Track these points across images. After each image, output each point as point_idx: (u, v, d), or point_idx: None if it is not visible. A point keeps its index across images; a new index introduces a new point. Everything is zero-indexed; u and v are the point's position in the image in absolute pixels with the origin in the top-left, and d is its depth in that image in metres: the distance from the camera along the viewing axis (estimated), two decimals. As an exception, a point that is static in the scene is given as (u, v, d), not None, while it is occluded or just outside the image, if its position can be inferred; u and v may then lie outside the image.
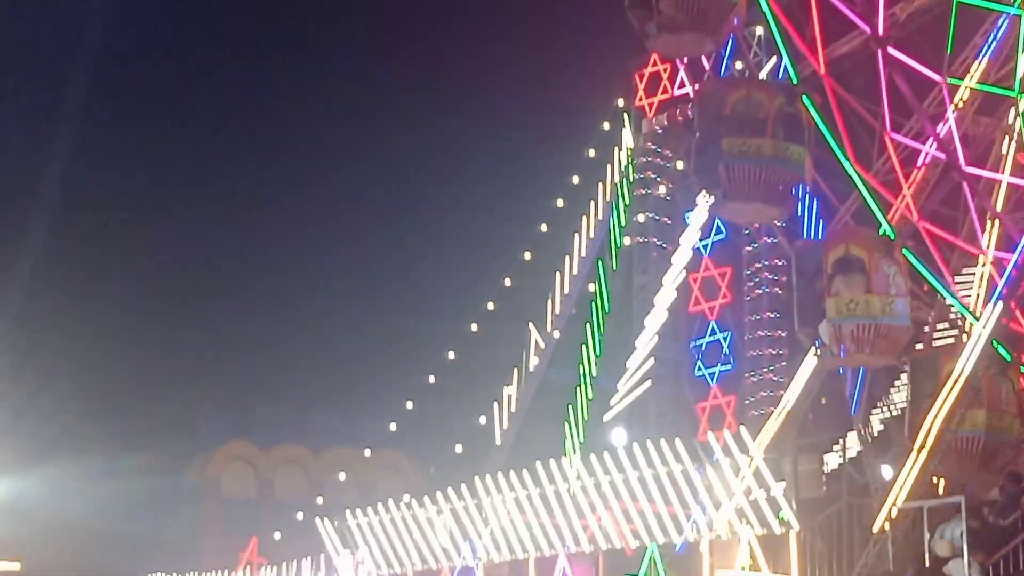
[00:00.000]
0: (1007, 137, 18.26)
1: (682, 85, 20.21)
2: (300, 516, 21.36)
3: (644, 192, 18.91)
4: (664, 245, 19.44)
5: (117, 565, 22.93)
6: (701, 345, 20.31)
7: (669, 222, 19.33)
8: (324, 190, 38.74)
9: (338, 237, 37.38)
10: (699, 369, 20.53)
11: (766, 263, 20.78)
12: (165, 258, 38.34)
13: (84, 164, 37.07)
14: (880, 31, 17.39)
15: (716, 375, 19.92)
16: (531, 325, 18.52)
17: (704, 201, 17.57)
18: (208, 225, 38.53)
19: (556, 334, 18.51)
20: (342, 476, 23.29)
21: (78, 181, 36.34)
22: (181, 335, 36.89)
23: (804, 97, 16.86)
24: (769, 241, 21.86)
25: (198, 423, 30.07)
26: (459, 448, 18.44)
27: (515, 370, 17.94)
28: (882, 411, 19.90)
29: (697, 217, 18.60)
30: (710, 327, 20.17)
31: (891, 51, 17.40)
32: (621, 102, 19.74)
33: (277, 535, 20.95)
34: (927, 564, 14.34)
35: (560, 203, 18.50)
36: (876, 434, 19.24)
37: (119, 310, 34.60)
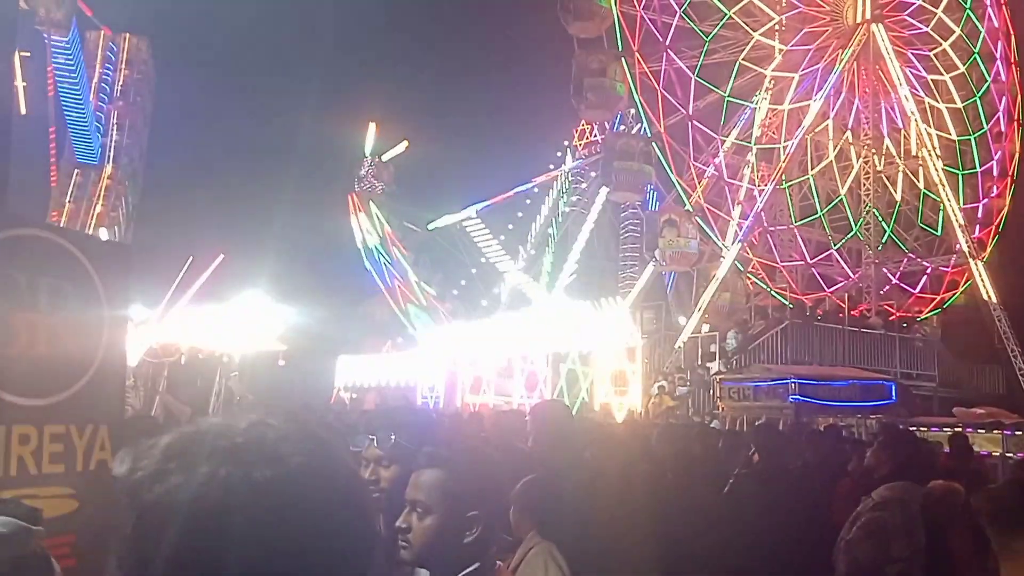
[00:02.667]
0: (747, 165, 36.97)
1: (594, 134, 38.47)
2: None
3: (576, 186, 36.66)
4: (583, 211, 37.23)
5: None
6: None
7: (585, 200, 37.01)
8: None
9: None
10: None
11: (632, 220, 39.26)
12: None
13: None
14: (690, 112, 35.73)
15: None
16: (520, 247, 36.08)
17: (604, 191, 35.50)
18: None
19: (531, 251, 35.88)
20: None
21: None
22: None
23: (653, 143, 35.04)
24: (633, 210, 40.18)
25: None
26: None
27: (512, 268, 36.00)
28: (681, 291, 38.16)
29: (599, 199, 36.51)
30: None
31: (695, 122, 35.81)
32: (567, 142, 37.86)
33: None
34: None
35: (535, 190, 36.05)
36: (678, 300, 37.45)
37: None
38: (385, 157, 37.20)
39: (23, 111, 31.76)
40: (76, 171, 38.69)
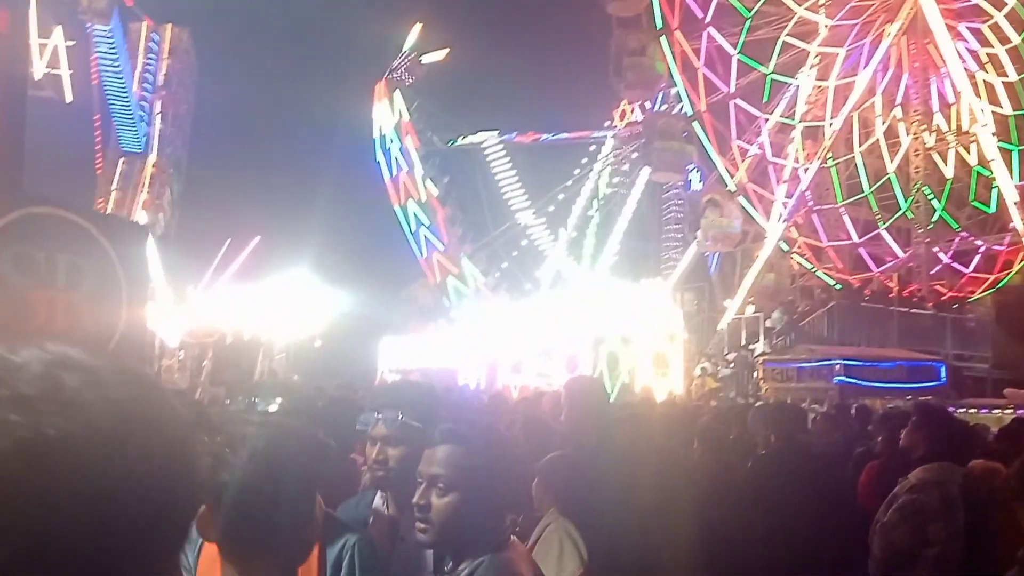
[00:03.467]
0: (791, 143, 36.23)
1: (635, 114, 38.03)
2: None
3: (618, 167, 36.29)
4: (625, 192, 36.89)
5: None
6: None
7: (627, 181, 36.67)
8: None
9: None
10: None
11: (675, 201, 38.80)
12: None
13: None
14: (732, 90, 35.11)
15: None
16: (560, 229, 35.83)
17: (646, 172, 35.13)
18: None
19: (573, 233, 35.66)
20: None
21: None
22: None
23: (694, 123, 34.52)
24: (675, 191, 39.73)
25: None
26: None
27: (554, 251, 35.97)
28: (725, 273, 37.72)
29: (641, 180, 36.13)
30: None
31: (737, 100, 35.18)
32: (608, 122, 37.42)
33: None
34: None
35: (577, 171, 35.75)
36: (722, 282, 36.99)
37: None
38: (424, 59, 36.78)
39: (68, 99, 32.48)
40: (122, 159, 39.47)
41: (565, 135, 37.76)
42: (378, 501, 3.47)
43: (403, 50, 36.96)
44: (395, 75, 36.77)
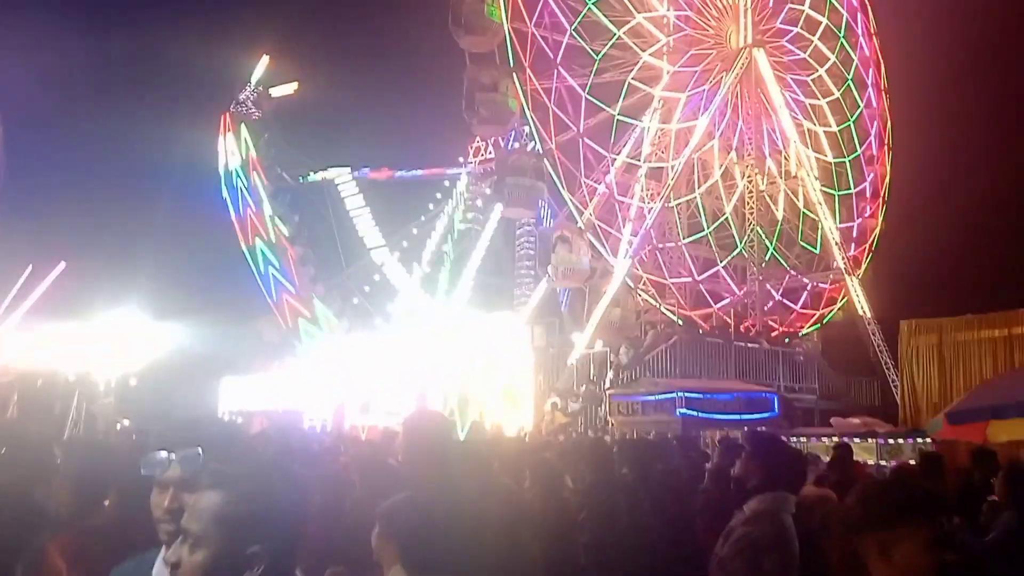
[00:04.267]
0: (637, 183, 37.47)
1: (489, 151, 38.24)
2: None
3: (471, 202, 36.23)
4: (478, 228, 36.80)
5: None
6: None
7: (481, 217, 36.63)
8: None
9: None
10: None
11: (527, 237, 39.20)
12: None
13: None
14: (581, 129, 35.98)
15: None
16: (416, 263, 35.22)
17: (499, 208, 35.26)
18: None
19: (427, 269, 35.13)
20: None
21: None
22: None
23: (545, 160, 35.07)
24: (528, 227, 40.16)
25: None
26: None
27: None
28: (575, 308, 38.33)
29: (494, 215, 36.21)
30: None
31: (586, 139, 36.07)
32: (461, 159, 37.42)
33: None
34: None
35: (431, 206, 35.39)
36: (572, 317, 37.61)
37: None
38: (273, 92, 35.49)
39: None
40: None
41: (419, 172, 37.49)
42: (159, 566, 2.85)
43: (249, 83, 35.66)
44: (241, 108, 35.39)
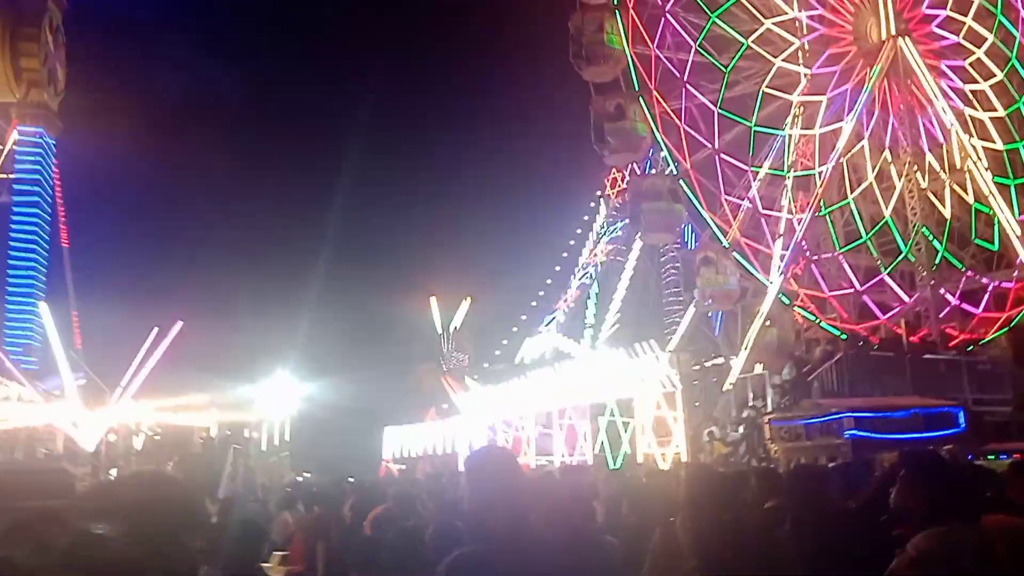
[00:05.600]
0: (783, 194, 35.50)
1: (625, 182, 37.67)
2: None
3: (611, 235, 35.69)
4: (620, 259, 36.12)
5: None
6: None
7: (623, 247, 35.94)
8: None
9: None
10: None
11: (672, 264, 37.98)
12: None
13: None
14: (717, 146, 34.62)
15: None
16: (560, 301, 35.12)
17: (637, 236, 34.39)
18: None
19: (572, 304, 34.86)
20: None
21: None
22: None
23: (682, 181, 33.93)
24: (672, 254, 38.95)
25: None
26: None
27: (552, 323, 34.68)
28: (729, 331, 36.59)
29: (636, 245, 35.38)
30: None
31: (723, 155, 34.65)
32: (599, 192, 37.14)
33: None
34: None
35: (573, 242, 35.16)
36: (727, 341, 35.86)
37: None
38: (456, 323, 37.68)
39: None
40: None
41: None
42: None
43: (437, 332, 37.42)
44: (450, 364, 38.00)
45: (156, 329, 27.38)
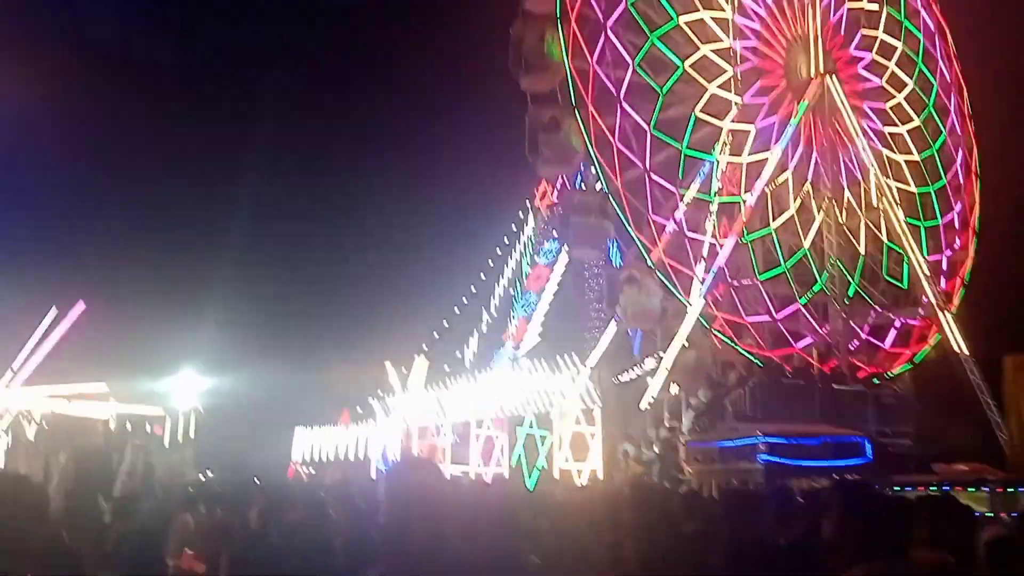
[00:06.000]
0: (708, 219, 36.04)
1: (554, 193, 37.65)
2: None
3: (538, 246, 35.60)
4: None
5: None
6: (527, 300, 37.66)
7: (550, 260, 35.88)
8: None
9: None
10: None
11: (595, 280, 38.18)
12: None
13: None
14: (647, 166, 34.97)
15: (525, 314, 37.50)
16: (484, 308, 34.78)
17: (564, 249, 34.42)
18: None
19: (495, 314, 34.59)
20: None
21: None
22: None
23: (610, 197, 34.11)
24: (598, 270, 39.13)
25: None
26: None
27: (475, 330, 34.24)
28: (647, 351, 36.88)
29: (562, 258, 35.40)
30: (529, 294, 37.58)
31: (653, 176, 35.02)
32: (528, 201, 36.97)
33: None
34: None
35: (498, 251, 34.91)
36: (645, 362, 36.20)
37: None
38: None
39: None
40: None
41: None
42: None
43: None
44: None
45: (54, 310, 25.80)
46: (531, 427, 30.62)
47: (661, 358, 33.43)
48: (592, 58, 34.22)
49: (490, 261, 34.33)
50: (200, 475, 28.13)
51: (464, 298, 33.48)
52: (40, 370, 26.34)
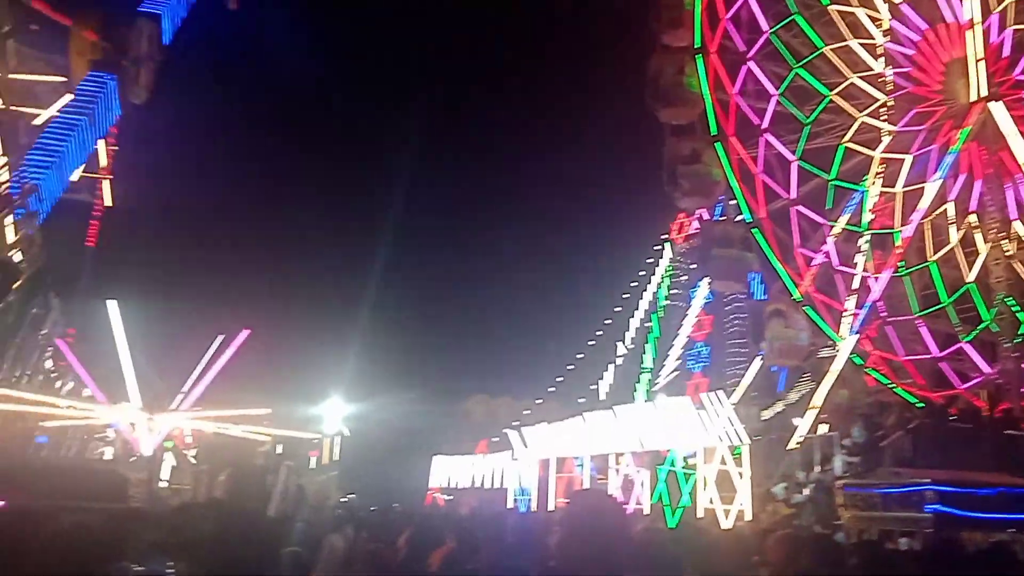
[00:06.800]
0: (859, 252, 34.32)
1: (694, 227, 36.97)
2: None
3: (675, 279, 34.95)
4: (682, 304, 35.30)
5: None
6: (693, 353, 36.30)
7: (686, 293, 35.17)
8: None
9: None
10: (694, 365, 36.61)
11: (737, 314, 36.93)
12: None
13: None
14: (794, 196, 33.77)
15: (700, 367, 35.78)
16: (618, 343, 34.34)
17: (705, 282, 33.60)
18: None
19: (631, 346, 34.10)
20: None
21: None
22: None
23: (754, 230, 33.09)
24: (738, 303, 37.93)
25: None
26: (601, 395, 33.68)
27: (610, 365, 33.82)
28: (794, 389, 35.31)
29: (700, 290, 34.57)
30: (697, 345, 36.15)
31: (799, 207, 33.76)
32: (665, 235, 36.43)
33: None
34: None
35: (635, 283, 34.48)
36: (793, 400, 34.58)
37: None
38: None
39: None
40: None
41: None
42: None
43: None
44: None
45: (222, 337, 27.63)
46: (673, 464, 29.77)
47: (809, 396, 31.97)
48: (733, 89, 33.55)
49: (624, 295, 33.89)
50: (343, 498, 28.99)
51: (599, 331, 33.14)
52: (205, 394, 28.12)
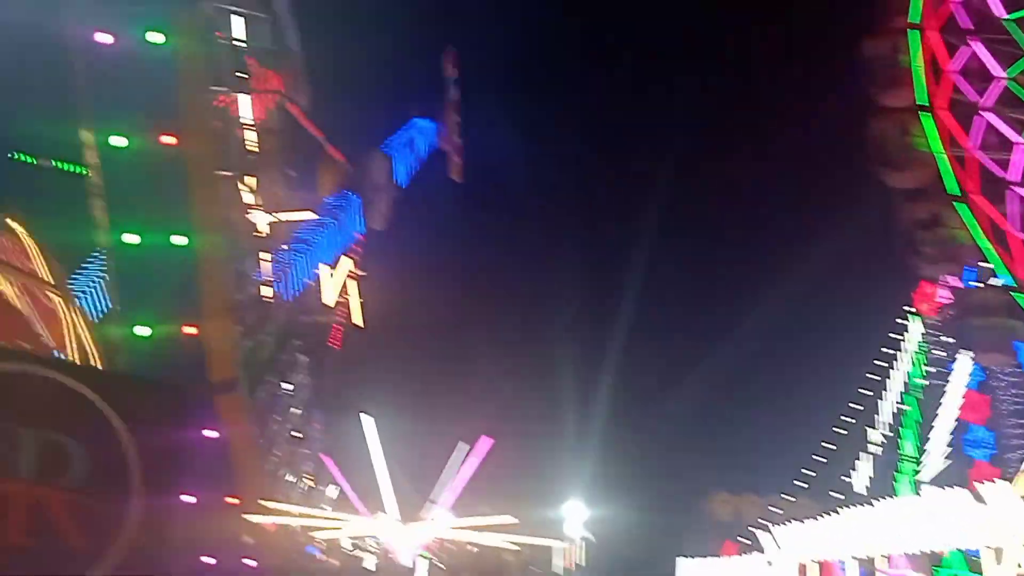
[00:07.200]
0: None
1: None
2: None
3: (928, 355, 31.94)
4: (941, 383, 32.07)
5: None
6: (971, 438, 32.16)
7: (944, 370, 31.98)
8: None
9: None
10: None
11: (1008, 389, 32.75)
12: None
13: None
14: (1060, 251, 29.99)
15: (984, 455, 31.56)
16: (867, 428, 31.70)
17: (967, 356, 30.34)
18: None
19: (887, 433, 31.36)
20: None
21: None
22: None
23: (1018, 295, 29.56)
24: (1008, 376, 33.69)
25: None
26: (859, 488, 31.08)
27: (862, 453, 31.16)
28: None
29: (961, 366, 31.25)
30: (972, 428, 32.21)
31: (1069, 262, 29.88)
32: (909, 308, 33.77)
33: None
34: None
35: (881, 362, 31.96)
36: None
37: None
38: None
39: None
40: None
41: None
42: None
43: None
44: None
45: (466, 447, 28.97)
46: (955, 567, 26.59)
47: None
48: (970, 143, 30.99)
49: (870, 374, 31.29)
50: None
51: (845, 416, 30.69)
52: (455, 502, 29.46)
